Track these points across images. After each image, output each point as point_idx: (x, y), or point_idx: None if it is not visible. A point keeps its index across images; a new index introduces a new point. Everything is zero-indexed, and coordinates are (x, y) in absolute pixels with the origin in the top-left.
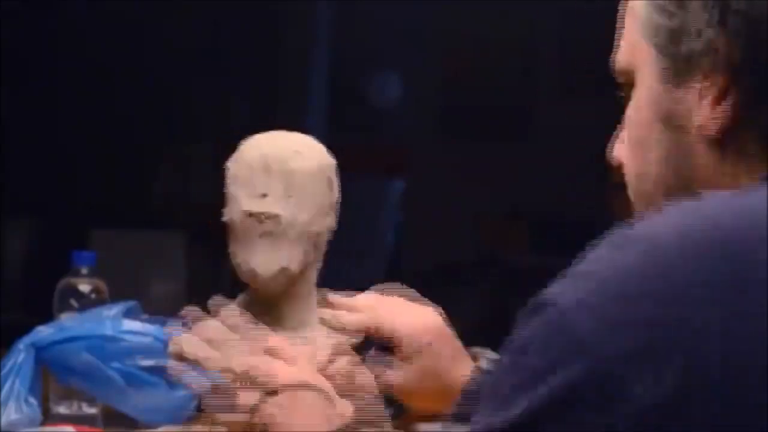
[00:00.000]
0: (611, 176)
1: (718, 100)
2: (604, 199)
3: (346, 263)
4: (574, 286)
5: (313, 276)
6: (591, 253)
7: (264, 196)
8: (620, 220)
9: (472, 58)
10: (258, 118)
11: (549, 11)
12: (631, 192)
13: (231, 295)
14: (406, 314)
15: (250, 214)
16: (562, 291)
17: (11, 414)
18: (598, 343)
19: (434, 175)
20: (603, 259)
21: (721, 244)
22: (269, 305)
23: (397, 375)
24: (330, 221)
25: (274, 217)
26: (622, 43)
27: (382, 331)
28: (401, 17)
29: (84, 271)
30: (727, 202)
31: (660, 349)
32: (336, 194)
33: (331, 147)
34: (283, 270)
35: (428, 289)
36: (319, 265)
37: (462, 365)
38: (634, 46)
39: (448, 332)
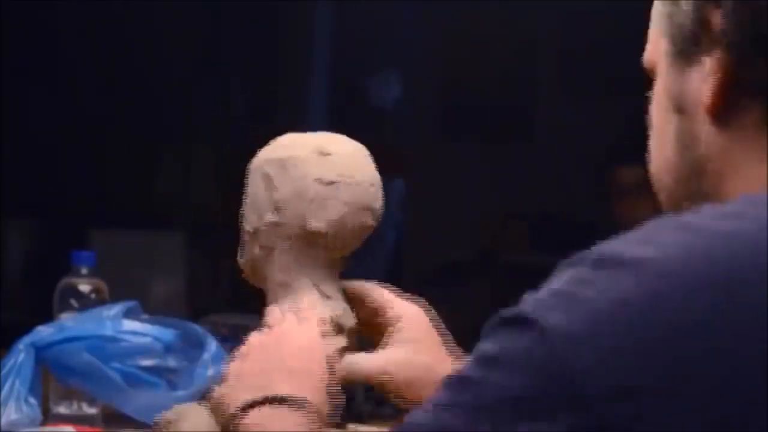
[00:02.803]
0: (610, 177)
1: (718, 78)
2: (604, 199)
3: (346, 262)
4: (558, 307)
5: (270, 274)
6: (573, 269)
7: None
8: (619, 221)
9: (472, 59)
10: (258, 118)
11: (549, 11)
12: (655, 186)
13: (230, 296)
14: (403, 302)
15: None
16: (545, 309)
17: (11, 414)
18: (592, 385)
19: (434, 175)
20: (591, 281)
21: (722, 275)
22: None
23: (381, 360)
24: (269, 218)
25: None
26: (648, 43)
27: (384, 313)
28: (401, 17)
29: (84, 271)
30: (725, 224)
31: (655, 390)
32: (278, 191)
33: None
34: (241, 264)
35: (428, 288)
36: (283, 263)
37: (447, 365)
38: (654, 43)
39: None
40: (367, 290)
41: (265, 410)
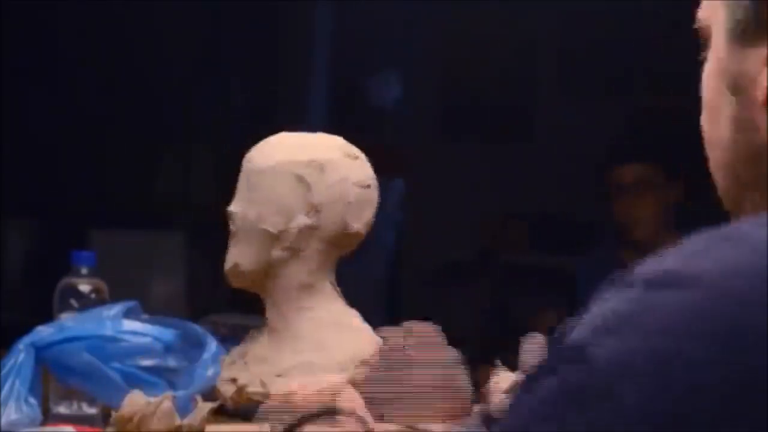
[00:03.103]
0: (609, 176)
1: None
2: (604, 199)
3: (346, 262)
4: (612, 334)
5: (292, 276)
6: (620, 295)
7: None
8: (618, 220)
9: (472, 59)
10: (258, 119)
11: (549, 11)
12: (710, 163)
13: (230, 296)
14: None
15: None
16: (594, 340)
17: (11, 414)
18: (647, 420)
19: (434, 175)
20: (644, 306)
21: None
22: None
23: None
24: (302, 220)
25: (231, 215)
26: (704, 1)
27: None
28: (401, 17)
29: (84, 271)
30: None
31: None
32: (317, 193)
33: None
34: (235, 266)
35: (428, 288)
36: (312, 265)
37: None
38: (712, 6)
39: None
40: None
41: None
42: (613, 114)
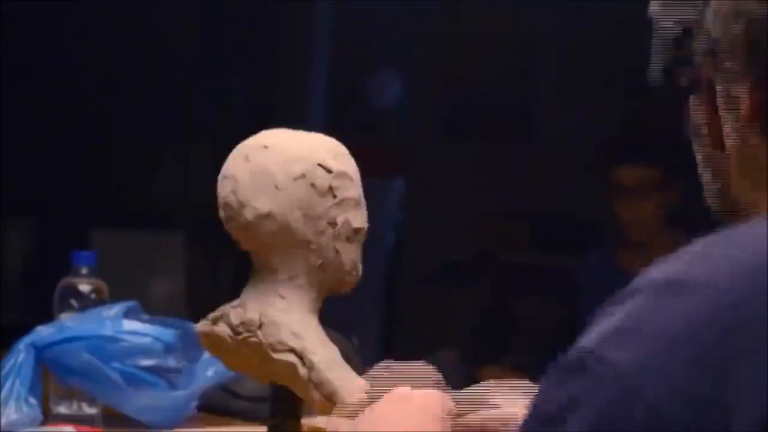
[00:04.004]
0: (610, 177)
1: (719, 109)
2: (604, 200)
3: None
4: (623, 343)
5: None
6: (628, 304)
7: None
8: (619, 220)
9: (472, 59)
10: (258, 118)
11: (549, 11)
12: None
13: (230, 296)
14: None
15: None
16: (608, 347)
17: (11, 414)
18: (680, 418)
19: (434, 175)
20: (654, 310)
21: None
22: None
23: None
24: None
25: None
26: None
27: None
28: (401, 17)
29: (84, 271)
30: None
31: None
32: None
33: None
34: None
35: (428, 288)
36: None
37: None
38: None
39: None
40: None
41: None
42: (613, 114)
